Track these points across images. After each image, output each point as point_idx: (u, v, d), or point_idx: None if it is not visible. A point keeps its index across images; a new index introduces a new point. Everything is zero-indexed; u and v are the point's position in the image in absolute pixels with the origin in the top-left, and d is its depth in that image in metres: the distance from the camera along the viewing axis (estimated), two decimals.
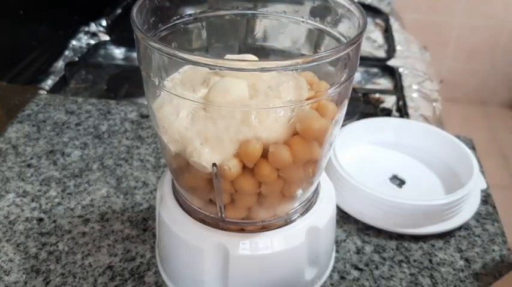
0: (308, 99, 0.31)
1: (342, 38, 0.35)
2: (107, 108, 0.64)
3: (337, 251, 0.45)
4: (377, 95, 0.73)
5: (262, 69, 0.29)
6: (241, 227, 0.36)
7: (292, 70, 0.32)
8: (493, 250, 0.46)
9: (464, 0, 1.79)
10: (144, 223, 0.47)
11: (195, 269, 0.38)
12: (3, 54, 0.71)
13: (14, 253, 0.44)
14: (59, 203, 0.50)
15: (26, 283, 0.41)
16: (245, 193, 0.33)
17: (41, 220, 0.48)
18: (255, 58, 0.36)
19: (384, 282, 0.43)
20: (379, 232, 0.47)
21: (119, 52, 0.87)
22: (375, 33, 0.94)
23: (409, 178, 0.52)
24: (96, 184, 0.52)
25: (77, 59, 0.82)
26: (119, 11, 0.95)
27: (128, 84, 0.74)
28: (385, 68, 0.82)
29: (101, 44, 0.88)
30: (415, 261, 0.45)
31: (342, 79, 0.32)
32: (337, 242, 0.46)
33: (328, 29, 0.37)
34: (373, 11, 1.01)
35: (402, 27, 0.99)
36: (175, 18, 0.37)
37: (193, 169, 0.32)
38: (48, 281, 0.42)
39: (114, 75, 0.77)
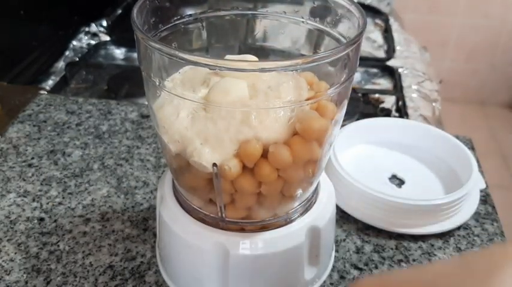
0: (308, 99, 0.32)
1: (342, 39, 0.36)
2: (108, 109, 0.64)
3: (336, 251, 0.45)
4: (377, 95, 0.73)
5: (262, 70, 0.30)
6: (241, 227, 0.36)
7: (292, 70, 0.32)
8: None
9: (464, 0, 1.79)
10: (145, 223, 0.48)
11: (195, 268, 0.38)
12: (3, 55, 0.71)
13: (15, 253, 0.44)
14: (59, 203, 0.50)
15: (26, 282, 0.42)
16: (245, 192, 0.33)
17: (41, 219, 0.48)
18: (255, 58, 0.36)
19: None
20: (378, 232, 0.47)
21: (119, 52, 0.87)
22: (374, 34, 0.94)
23: (409, 177, 0.52)
24: (97, 184, 0.52)
25: (77, 59, 0.82)
26: (119, 11, 0.95)
27: (128, 84, 0.74)
28: (385, 68, 0.82)
29: (101, 44, 0.88)
30: (414, 261, 0.45)
31: (342, 79, 0.32)
32: (337, 242, 0.46)
33: (328, 29, 0.37)
34: (372, 11, 1.01)
35: (402, 27, 0.99)
36: (175, 18, 0.37)
37: (194, 169, 0.32)
38: (49, 281, 0.42)
39: (115, 76, 0.77)
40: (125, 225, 0.47)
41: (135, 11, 0.32)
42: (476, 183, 0.49)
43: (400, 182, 0.52)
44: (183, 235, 0.37)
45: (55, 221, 0.48)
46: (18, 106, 0.64)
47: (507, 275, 0.19)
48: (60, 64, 0.80)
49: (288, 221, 0.37)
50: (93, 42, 0.88)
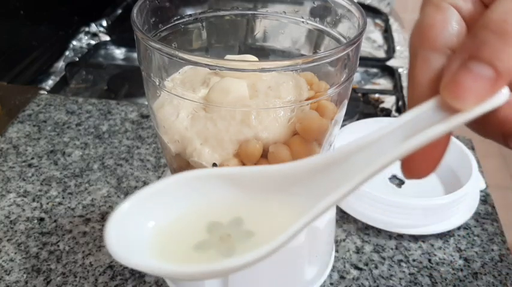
0: (308, 99, 0.32)
1: (342, 39, 0.36)
2: (107, 109, 0.64)
3: (336, 251, 0.45)
4: (377, 95, 0.73)
5: (262, 70, 0.30)
6: None
7: (292, 70, 0.32)
8: (492, 250, 0.46)
9: None
10: None
11: None
12: (3, 55, 0.71)
13: (15, 253, 0.44)
14: (59, 203, 0.50)
15: (26, 282, 0.42)
16: None
17: (41, 219, 0.48)
18: (255, 58, 0.36)
19: (383, 281, 0.43)
20: (378, 232, 0.47)
21: (119, 52, 0.87)
22: (374, 34, 0.94)
23: None
24: (97, 184, 0.52)
25: (77, 59, 0.82)
26: (119, 11, 0.95)
27: (128, 84, 0.74)
28: (385, 68, 0.82)
29: (101, 44, 0.88)
30: (414, 261, 0.45)
31: (342, 79, 0.32)
32: (337, 242, 0.46)
33: (328, 29, 0.37)
34: (372, 11, 1.01)
35: (402, 27, 0.99)
36: (175, 18, 0.37)
37: (194, 169, 0.32)
38: (49, 281, 0.42)
39: (115, 76, 0.77)
40: None
41: (135, 11, 0.32)
42: (476, 183, 0.49)
43: (400, 182, 0.52)
44: None
45: (55, 221, 0.48)
46: (18, 106, 0.64)
47: None
48: (60, 64, 0.80)
49: None
50: (93, 42, 0.88)
